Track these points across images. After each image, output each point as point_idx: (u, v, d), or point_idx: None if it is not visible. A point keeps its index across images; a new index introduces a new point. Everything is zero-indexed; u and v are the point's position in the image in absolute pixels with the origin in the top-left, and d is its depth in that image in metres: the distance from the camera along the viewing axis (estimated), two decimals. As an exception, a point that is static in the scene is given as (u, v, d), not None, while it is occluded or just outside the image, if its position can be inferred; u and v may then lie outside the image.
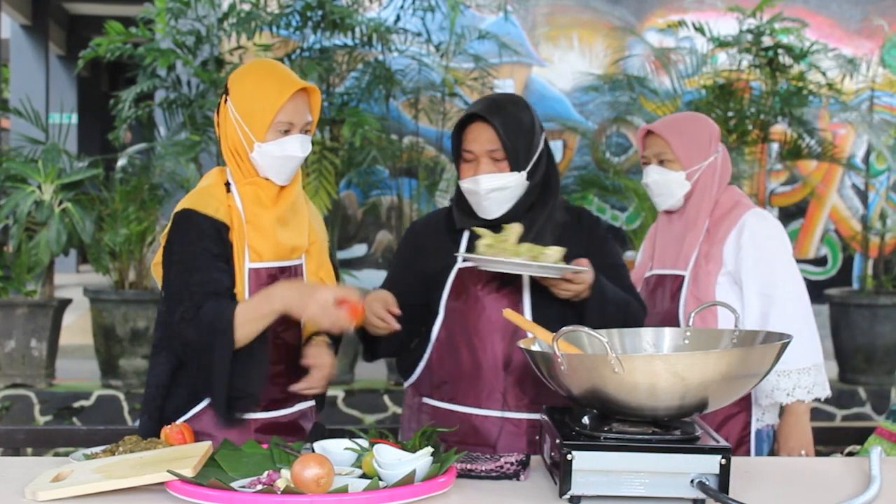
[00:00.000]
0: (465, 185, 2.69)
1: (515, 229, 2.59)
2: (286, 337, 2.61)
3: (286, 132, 2.54)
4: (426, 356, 2.75)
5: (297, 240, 2.61)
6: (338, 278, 2.81)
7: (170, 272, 2.52)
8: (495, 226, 2.67)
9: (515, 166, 2.66)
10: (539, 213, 2.72)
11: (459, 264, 2.69)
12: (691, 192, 3.01)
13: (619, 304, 2.65)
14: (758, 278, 2.93)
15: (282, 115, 2.53)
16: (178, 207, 2.55)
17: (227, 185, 2.59)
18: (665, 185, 3.01)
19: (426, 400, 2.76)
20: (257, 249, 2.54)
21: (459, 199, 2.75)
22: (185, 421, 2.55)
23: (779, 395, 2.92)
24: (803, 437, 2.96)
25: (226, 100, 2.57)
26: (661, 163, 3.02)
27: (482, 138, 2.65)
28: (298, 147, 2.56)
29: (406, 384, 2.83)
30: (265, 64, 2.66)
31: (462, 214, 2.74)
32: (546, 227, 2.72)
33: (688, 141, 3.01)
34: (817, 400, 2.98)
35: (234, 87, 2.58)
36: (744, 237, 2.95)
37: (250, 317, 2.44)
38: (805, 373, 2.92)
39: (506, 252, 2.52)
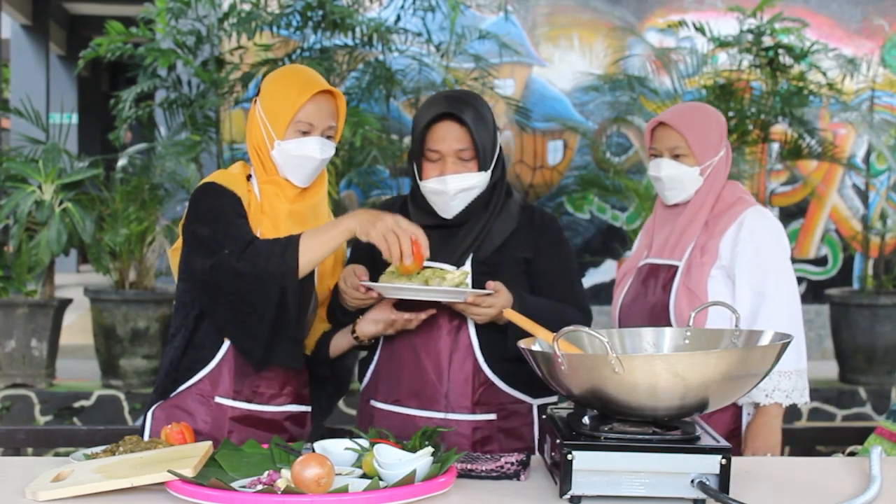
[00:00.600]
0: (432, 185, 2.63)
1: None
2: None
3: (306, 133, 2.57)
4: (375, 359, 2.75)
5: None
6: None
7: (200, 231, 2.50)
8: (450, 226, 2.66)
9: (483, 166, 2.63)
10: (490, 213, 2.70)
11: None
12: (700, 187, 3.00)
13: (551, 322, 2.49)
14: (751, 275, 2.91)
15: (302, 114, 2.56)
16: (201, 183, 2.60)
17: (249, 177, 2.63)
18: (679, 179, 2.99)
19: (373, 402, 2.75)
20: None
21: (415, 196, 2.71)
22: (172, 398, 2.59)
23: (757, 394, 2.89)
24: (770, 439, 2.92)
25: (256, 100, 2.63)
26: (675, 157, 2.98)
27: (450, 137, 2.60)
28: (318, 148, 2.58)
29: (362, 387, 2.82)
30: (295, 67, 2.72)
31: (418, 211, 2.69)
32: (494, 226, 2.69)
33: (702, 135, 2.98)
34: (806, 404, 2.97)
35: (264, 87, 2.64)
36: (742, 233, 2.94)
37: (318, 240, 2.42)
38: (786, 376, 2.89)
39: (401, 278, 2.48)
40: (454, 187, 2.61)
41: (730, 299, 2.92)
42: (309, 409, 2.73)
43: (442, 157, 2.61)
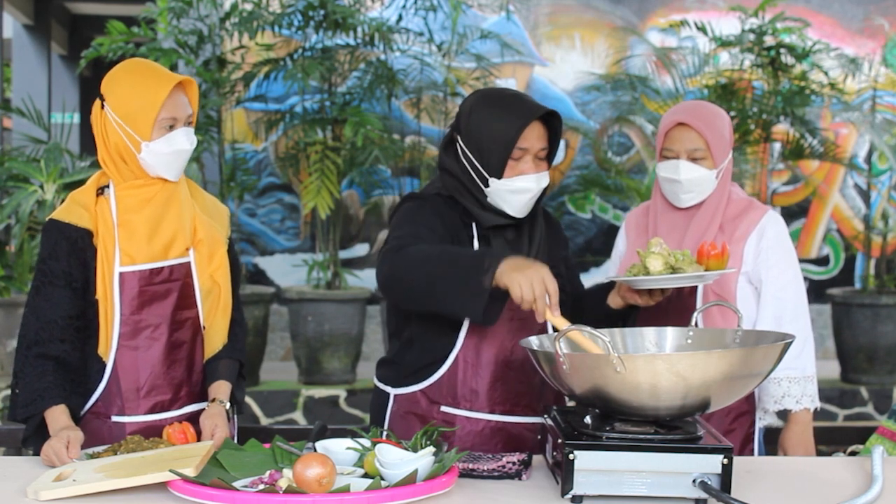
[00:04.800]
0: (523, 183, 2.56)
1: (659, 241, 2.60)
2: (180, 336, 2.60)
3: (171, 128, 2.55)
4: (449, 362, 2.61)
5: (173, 237, 2.59)
6: (238, 277, 2.77)
7: (33, 284, 2.59)
8: (518, 225, 2.64)
9: (551, 164, 2.64)
10: (537, 213, 2.70)
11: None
12: (714, 190, 2.99)
13: None
14: (775, 281, 2.94)
15: (164, 111, 2.54)
16: (47, 219, 2.60)
17: (103, 189, 2.59)
18: (698, 182, 2.95)
19: (446, 409, 2.62)
20: (129, 253, 2.54)
21: (480, 197, 2.61)
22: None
23: (788, 401, 2.91)
24: (809, 446, 2.96)
25: (102, 105, 2.57)
26: (693, 159, 2.95)
27: (536, 136, 2.57)
28: (185, 140, 2.58)
29: (404, 390, 2.67)
30: (137, 64, 2.66)
31: (485, 212, 2.62)
32: (539, 225, 2.70)
33: (719, 137, 2.95)
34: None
35: (109, 91, 2.58)
36: (765, 240, 2.94)
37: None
38: (810, 381, 2.93)
39: (688, 266, 2.52)
40: (541, 185, 2.59)
41: (754, 304, 2.94)
42: (206, 404, 2.64)
43: (523, 155, 2.57)
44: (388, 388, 2.71)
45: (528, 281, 2.26)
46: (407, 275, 2.43)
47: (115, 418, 2.55)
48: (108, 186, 2.59)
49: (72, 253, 2.54)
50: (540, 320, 2.31)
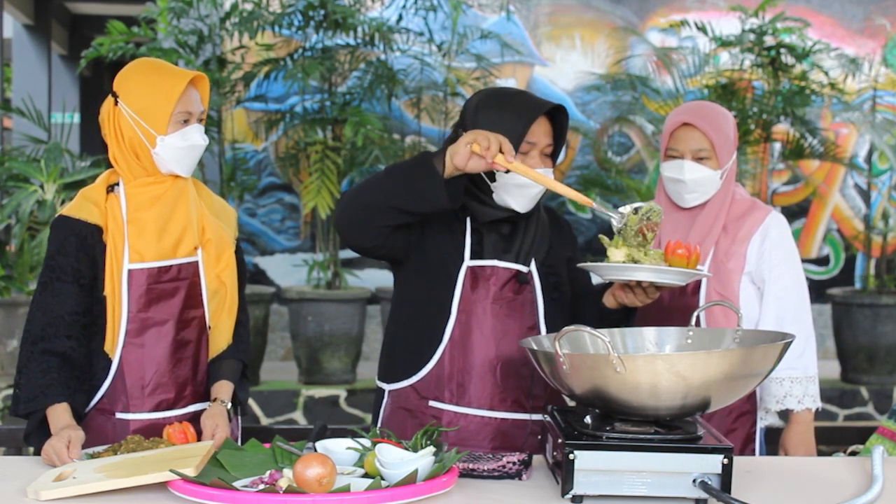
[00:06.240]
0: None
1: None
2: (187, 335, 2.60)
3: (185, 122, 2.57)
4: (437, 356, 2.61)
5: (181, 235, 2.59)
6: (244, 279, 2.77)
7: (39, 280, 2.58)
8: (514, 221, 2.64)
9: (555, 161, 2.65)
10: (538, 211, 2.70)
11: (468, 263, 2.61)
12: (718, 190, 2.99)
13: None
14: (777, 281, 2.96)
15: (179, 105, 2.55)
16: (56, 215, 2.60)
17: (113, 186, 2.60)
18: (702, 182, 2.96)
19: (434, 403, 2.63)
20: (139, 250, 2.55)
21: (483, 191, 2.62)
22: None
23: (790, 401, 2.93)
24: (810, 446, 2.98)
25: (116, 102, 2.57)
26: (698, 160, 2.95)
27: (541, 131, 2.58)
28: (199, 136, 2.59)
29: (396, 386, 2.68)
30: (150, 62, 2.67)
31: (486, 207, 2.62)
32: (542, 225, 2.70)
33: (725, 138, 2.97)
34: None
35: (123, 88, 2.58)
36: (769, 240, 2.96)
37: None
38: (811, 381, 2.95)
39: (650, 262, 2.42)
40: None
41: (756, 305, 2.95)
42: (209, 403, 2.63)
43: (529, 150, 2.58)
44: (384, 385, 2.73)
45: (481, 136, 2.33)
46: (359, 197, 2.48)
47: (119, 415, 2.55)
48: (117, 184, 2.60)
49: (80, 249, 2.54)
50: (505, 162, 2.32)
